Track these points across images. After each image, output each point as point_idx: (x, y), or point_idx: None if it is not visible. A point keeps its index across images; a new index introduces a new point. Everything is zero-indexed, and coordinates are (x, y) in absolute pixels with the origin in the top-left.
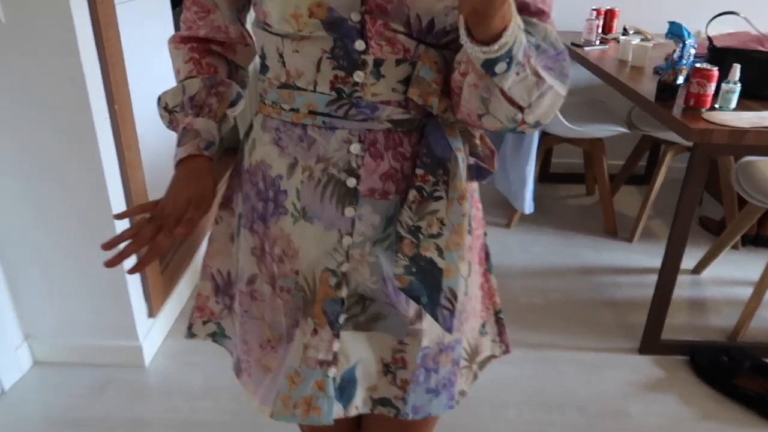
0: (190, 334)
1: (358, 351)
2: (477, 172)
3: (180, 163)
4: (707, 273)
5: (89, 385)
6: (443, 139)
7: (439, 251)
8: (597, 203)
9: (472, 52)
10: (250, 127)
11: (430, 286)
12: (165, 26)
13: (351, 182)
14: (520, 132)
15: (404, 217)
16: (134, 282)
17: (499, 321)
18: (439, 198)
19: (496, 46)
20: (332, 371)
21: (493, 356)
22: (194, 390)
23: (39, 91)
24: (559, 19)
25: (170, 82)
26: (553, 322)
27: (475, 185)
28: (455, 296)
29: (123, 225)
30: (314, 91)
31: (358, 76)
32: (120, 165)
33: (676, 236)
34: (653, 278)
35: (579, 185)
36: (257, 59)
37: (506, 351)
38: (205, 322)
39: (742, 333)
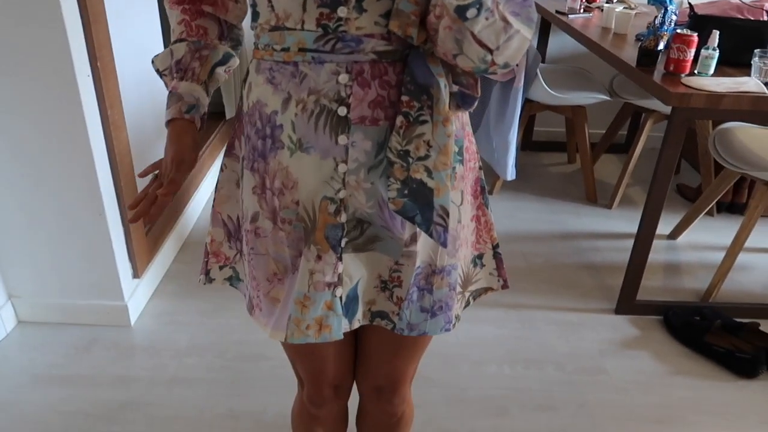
0: (209, 279)
1: (358, 270)
2: (462, 100)
3: (167, 125)
4: (683, 238)
5: (74, 344)
6: (425, 66)
7: (428, 172)
8: (578, 171)
9: None
10: (247, 73)
11: (422, 206)
12: None
13: (342, 111)
14: (492, 73)
15: (393, 143)
16: (119, 243)
17: (497, 256)
18: (425, 122)
19: None
20: (339, 291)
21: (490, 288)
22: (180, 348)
23: (20, 49)
24: None
25: (153, 38)
26: (535, 284)
27: (465, 118)
28: (447, 213)
29: (108, 184)
30: (302, 29)
31: (342, 11)
32: (103, 124)
33: (652, 201)
34: (631, 243)
35: (561, 153)
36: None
37: (504, 286)
38: (221, 267)
39: (715, 294)
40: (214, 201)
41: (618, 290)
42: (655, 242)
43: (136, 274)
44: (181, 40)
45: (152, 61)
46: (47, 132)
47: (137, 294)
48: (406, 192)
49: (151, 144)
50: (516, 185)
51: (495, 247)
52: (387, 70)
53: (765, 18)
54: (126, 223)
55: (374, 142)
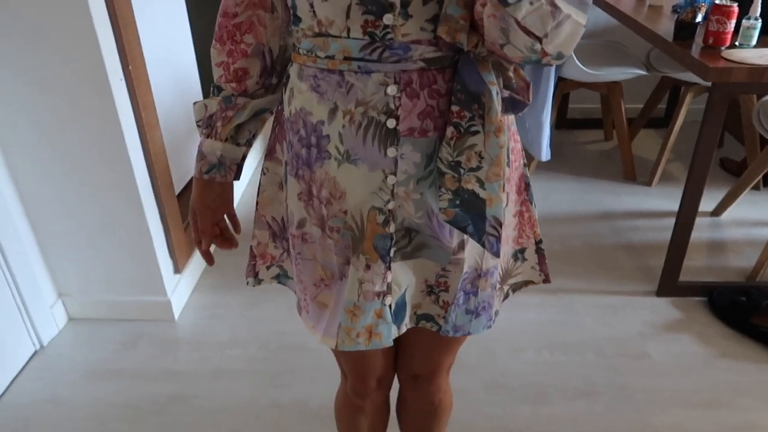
0: (257, 280)
1: (406, 277)
2: (512, 105)
3: (194, 181)
4: (727, 215)
5: (122, 339)
6: (476, 73)
7: (480, 183)
8: (615, 148)
9: None
10: (287, 77)
11: (474, 216)
12: None
13: (391, 123)
14: (546, 64)
15: (444, 154)
16: (159, 239)
17: (539, 251)
18: (476, 132)
19: None
20: (388, 299)
21: (531, 282)
22: (223, 341)
23: (54, 60)
24: None
25: (183, 40)
26: (572, 267)
27: (511, 117)
28: (500, 224)
29: (145, 183)
30: (348, 37)
31: (388, 18)
32: (138, 125)
33: (694, 178)
34: (672, 221)
35: (597, 130)
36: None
37: (546, 280)
38: (268, 267)
39: (762, 273)
40: (257, 204)
41: (659, 271)
42: (698, 220)
43: (177, 270)
44: (218, 88)
45: (193, 108)
46: (86, 136)
47: (179, 289)
48: (457, 202)
49: (184, 142)
50: (551, 165)
51: (538, 242)
52: (436, 78)
53: None
54: (165, 219)
55: (423, 154)
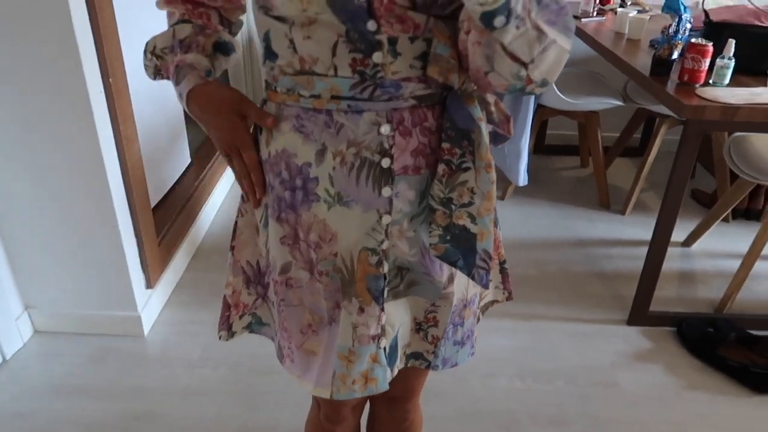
0: (230, 334)
1: (399, 317)
2: (494, 138)
3: (190, 99)
4: (698, 245)
5: (90, 354)
6: (464, 110)
7: (472, 218)
8: (591, 175)
9: (470, 5)
10: None
11: (465, 251)
12: None
13: (386, 162)
14: (530, 93)
15: (435, 191)
16: (132, 253)
17: (503, 270)
18: (467, 169)
19: None
20: (383, 342)
21: (496, 301)
22: (193, 359)
23: (33, 65)
24: None
25: None
26: (547, 293)
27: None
28: (489, 257)
29: (120, 196)
30: (336, 75)
31: (377, 56)
32: (115, 138)
33: (666, 210)
34: (645, 250)
35: (573, 157)
36: (259, 45)
37: (509, 297)
38: (241, 316)
39: (729, 305)
40: (232, 249)
41: (631, 300)
42: (669, 250)
43: (149, 285)
44: (184, 21)
45: (146, 44)
46: (61, 146)
47: (150, 304)
48: (448, 238)
49: (163, 153)
50: (528, 190)
51: (502, 263)
52: (426, 115)
53: None
54: (139, 233)
55: (417, 191)
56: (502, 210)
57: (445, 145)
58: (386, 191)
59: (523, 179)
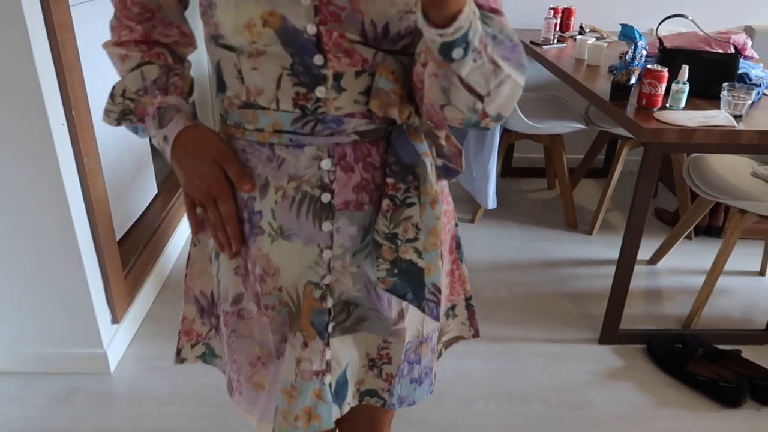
0: (180, 359)
1: (347, 353)
2: (445, 172)
3: (176, 142)
4: (663, 263)
5: (53, 394)
6: (409, 145)
7: (418, 253)
8: (558, 197)
9: (428, 35)
10: None
11: (413, 284)
12: None
13: (326, 197)
14: (484, 128)
15: (380, 226)
16: (97, 288)
17: (469, 307)
18: (412, 204)
19: (451, 29)
20: (328, 378)
21: (461, 337)
22: (162, 396)
23: None
24: (518, 17)
25: None
26: (518, 315)
27: (444, 182)
28: (438, 290)
29: (85, 230)
30: (277, 109)
31: (320, 91)
32: (79, 171)
33: (631, 229)
34: (612, 269)
35: (540, 179)
36: (212, 75)
37: (475, 335)
38: (193, 345)
39: (696, 321)
40: (185, 277)
41: (601, 319)
42: (636, 268)
43: (116, 319)
44: (147, 63)
45: (114, 87)
46: (23, 180)
47: (117, 339)
48: (395, 272)
49: (127, 187)
50: (497, 213)
51: (468, 299)
52: (370, 151)
53: (731, 50)
54: (104, 267)
55: (360, 227)
56: (472, 233)
57: (390, 180)
58: (326, 226)
59: (492, 202)
